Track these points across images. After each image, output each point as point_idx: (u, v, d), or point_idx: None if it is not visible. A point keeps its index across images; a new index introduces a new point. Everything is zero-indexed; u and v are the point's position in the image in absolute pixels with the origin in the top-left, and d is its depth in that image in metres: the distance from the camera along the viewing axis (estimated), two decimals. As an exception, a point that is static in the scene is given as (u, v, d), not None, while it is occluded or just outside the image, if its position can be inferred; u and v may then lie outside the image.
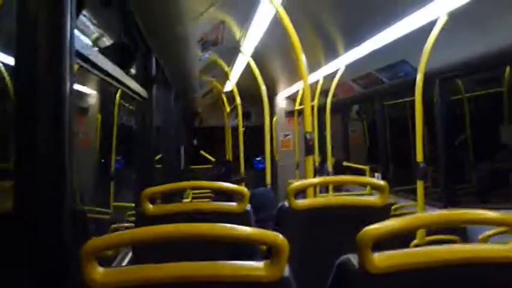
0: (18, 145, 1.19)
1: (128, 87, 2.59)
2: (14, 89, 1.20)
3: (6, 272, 1.28)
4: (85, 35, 3.31)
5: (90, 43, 3.29)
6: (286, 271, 1.13)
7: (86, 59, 1.66)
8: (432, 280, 1.13)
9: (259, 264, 1.13)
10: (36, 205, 1.17)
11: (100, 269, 1.10)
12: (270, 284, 1.11)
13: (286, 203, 2.06)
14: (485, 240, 3.01)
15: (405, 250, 1.16)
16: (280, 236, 1.12)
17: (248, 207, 2.05)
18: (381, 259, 1.11)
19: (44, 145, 1.18)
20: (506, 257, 1.14)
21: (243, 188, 2.08)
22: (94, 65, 1.81)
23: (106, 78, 2.10)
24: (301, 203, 2.06)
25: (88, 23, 3.18)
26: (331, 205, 2.08)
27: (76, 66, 1.43)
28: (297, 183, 2.16)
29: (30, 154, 1.17)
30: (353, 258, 1.14)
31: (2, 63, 3.77)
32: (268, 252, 1.22)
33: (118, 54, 2.43)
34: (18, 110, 1.19)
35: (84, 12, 2.93)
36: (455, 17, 3.37)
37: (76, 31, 1.36)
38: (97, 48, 2.86)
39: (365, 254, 1.10)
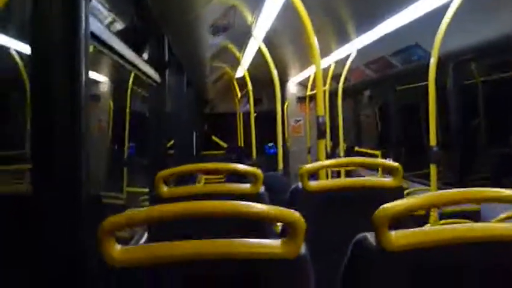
0: (35, 129, 1.20)
1: (142, 71, 2.60)
2: (29, 74, 1.21)
3: (24, 253, 1.30)
4: (98, 20, 3.32)
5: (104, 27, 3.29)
6: (303, 249, 1.14)
7: (101, 41, 1.67)
8: (450, 258, 1.13)
9: (276, 241, 1.14)
10: (53, 188, 1.19)
11: (118, 247, 1.12)
12: (287, 261, 1.12)
13: (300, 185, 2.06)
14: (499, 223, 3.00)
15: (422, 229, 1.16)
16: (297, 213, 1.13)
17: (262, 189, 2.05)
18: (399, 237, 1.11)
19: (60, 129, 1.19)
20: None
21: (256, 170, 2.08)
22: (109, 47, 1.82)
23: (121, 61, 2.11)
24: (314, 184, 2.06)
25: (101, 8, 3.18)
26: (344, 186, 2.08)
27: (91, 48, 1.44)
28: (310, 165, 2.16)
29: (47, 138, 1.18)
30: (370, 236, 1.14)
31: (16, 51, 3.81)
32: (282, 233, 1.23)
33: (131, 38, 2.44)
34: (34, 95, 1.20)
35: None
36: (469, -1, 3.33)
37: (91, 16, 1.37)
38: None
39: (382, 231, 1.10)
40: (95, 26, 1.53)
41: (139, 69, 2.50)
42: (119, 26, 3.36)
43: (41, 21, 1.18)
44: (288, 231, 1.14)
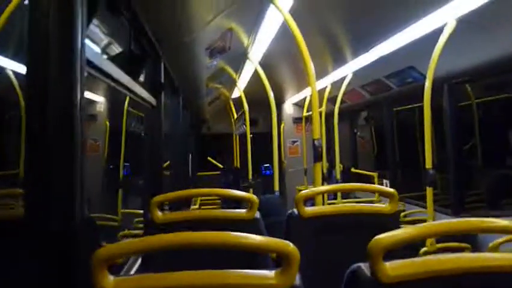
0: (29, 153, 1.19)
1: (137, 95, 2.60)
2: (25, 98, 1.20)
3: (17, 279, 1.28)
4: (94, 43, 3.33)
5: (99, 51, 3.31)
6: (297, 279, 1.13)
7: (96, 67, 1.67)
8: None
9: (270, 273, 1.13)
10: (46, 213, 1.17)
11: (111, 278, 1.10)
12: None
13: (295, 211, 2.05)
14: (496, 247, 2.99)
15: (417, 259, 1.15)
16: (291, 244, 1.12)
17: (257, 214, 2.04)
18: (393, 268, 1.10)
19: (55, 153, 1.18)
20: None
21: (251, 195, 2.07)
22: (104, 73, 1.82)
23: (116, 85, 2.11)
24: (310, 210, 2.05)
25: (97, 31, 3.19)
26: (340, 213, 2.08)
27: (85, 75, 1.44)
28: (305, 191, 2.15)
29: (41, 162, 1.17)
30: (364, 267, 1.13)
31: (13, 72, 3.81)
32: (279, 260, 1.22)
33: (127, 61, 2.44)
34: (29, 118, 1.19)
35: (93, 20, 2.96)
36: (463, 22, 3.36)
37: (88, 42, 1.37)
38: (106, 56, 2.88)
39: (377, 262, 1.09)
40: (91, 53, 1.53)
41: (134, 93, 2.50)
42: (115, 48, 3.37)
43: (37, 48, 1.18)
44: (283, 260, 1.13)
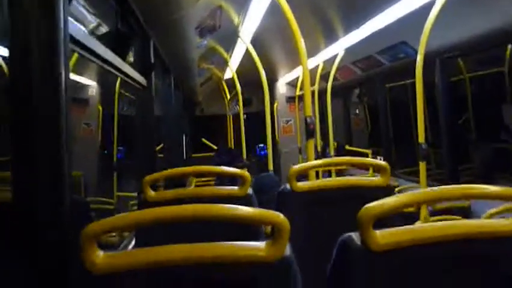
0: (15, 136, 1.18)
1: (127, 75, 2.58)
2: (9, 79, 1.19)
3: (7, 263, 1.28)
4: (82, 25, 3.30)
5: (86, 32, 3.27)
6: (288, 250, 1.13)
7: (83, 46, 1.65)
8: (436, 256, 1.12)
9: (260, 244, 1.13)
10: (34, 196, 1.17)
11: (100, 253, 1.10)
12: (271, 263, 1.11)
13: (287, 186, 2.05)
14: (488, 218, 3.01)
15: (407, 227, 1.15)
16: (281, 215, 1.12)
17: (250, 190, 2.04)
18: (383, 236, 1.10)
19: (40, 135, 1.17)
20: (509, 231, 1.13)
21: (244, 172, 2.07)
22: (92, 52, 1.80)
23: (104, 65, 2.09)
24: (302, 184, 2.06)
25: (85, 12, 3.15)
26: (332, 186, 2.08)
27: (74, 55, 1.42)
28: (298, 166, 2.15)
29: (27, 144, 1.16)
30: (355, 236, 1.13)
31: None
32: (272, 234, 1.22)
33: (114, 41, 2.42)
34: (14, 100, 1.18)
35: (80, 0, 2.92)
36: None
37: (72, 20, 1.35)
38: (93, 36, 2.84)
39: (367, 231, 1.09)
40: (76, 30, 1.51)
41: (124, 73, 2.48)
42: (104, 30, 3.33)
43: (18, 24, 1.17)
44: (273, 231, 1.14)
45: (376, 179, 2.06)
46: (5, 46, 1.22)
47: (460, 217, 3.58)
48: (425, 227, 1.16)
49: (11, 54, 1.18)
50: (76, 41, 1.54)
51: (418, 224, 3.35)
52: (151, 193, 2.01)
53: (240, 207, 1.14)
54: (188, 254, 1.10)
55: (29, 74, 1.16)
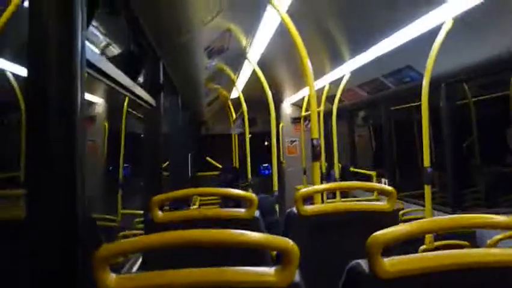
0: (30, 154, 1.20)
1: (137, 95, 2.61)
2: (25, 100, 1.22)
3: (18, 281, 1.29)
4: (93, 44, 3.35)
5: (98, 52, 3.32)
6: (297, 277, 1.14)
7: (96, 68, 1.68)
8: (444, 285, 1.13)
9: (269, 270, 1.14)
10: (48, 214, 1.18)
11: (113, 275, 1.11)
12: None
13: (294, 209, 2.06)
14: (495, 244, 3.00)
15: (416, 255, 1.16)
16: (291, 241, 1.13)
17: (257, 213, 2.05)
18: (392, 264, 1.11)
19: (55, 154, 1.19)
20: None
21: (250, 194, 2.08)
22: (104, 74, 1.83)
23: (115, 86, 2.12)
24: (309, 208, 2.07)
25: (96, 32, 3.21)
26: (339, 211, 2.09)
27: (85, 76, 1.44)
28: (304, 190, 2.16)
29: (42, 162, 1.18)
30: (363, 264, 1.14)
31: (13, 74, 3.82)
32: (278, 259, 1.23)
33: (126, 62, 2.46)
34: (30, 120, 1.20)
35: (93, 22, 2.97)
36: (460, 21, 3.38)
37: (87, 43, 1.38)
38: (105, 57, 2.89)
39: (376, 259, 1.10)
40: (91, 54, 1.54)
41: (134, 94, 2.52)
42: (114, 50, 3.38)
43: (37, 49, 1.19)
44: (282, 257, 1.14)
45: (382, 204, 2.07)
46: (23, 66, 1.24)
47: (466, 242, 3.57)
48: (434, 256, 1.17)
49: (28, 76, 1.20)
50: (91, 64, 1.58)
51: (423, 248, 3.34)
52: (159, 214, 2.03)
53: (249, 233, 1.15)
54: (200, 278, 1.11)
55: (45, 97, 1.19)
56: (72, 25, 1.23)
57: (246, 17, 3.93)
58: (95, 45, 3.44)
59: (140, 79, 3.26)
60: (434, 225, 1.21)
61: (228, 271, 1.12)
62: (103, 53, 3.47)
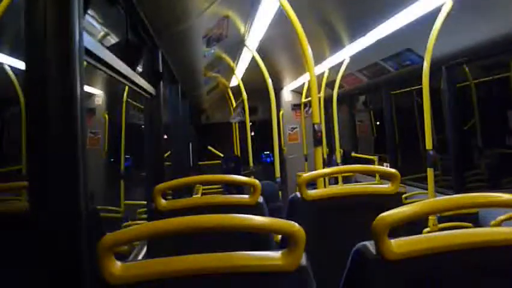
0: (30, 146, 1.19)
1: (136, 84, 2.60)
2: (24, 91, 1.20)
3: (23, 273, 1.29)
4: (91, 35, 3.32)
5: (97, 41, 3.29)
6: (304, 260, 1.14)
7: (95, 56, 1.67)
8: (451, 264, 1.13)
9: (276, 253, 1.14)
10: (50, 205, 1.17)
11: (118, 263, 1.11)
12: (288, 273, 1.11)
13: (298, 194, 2.06)
14: (498, 225, 3.01)
15: (423, 235, 1.16)
16: (297, 224, 1.12)
17: (260, 199, 2.05)
18: (399, 245, 1.11)
19: (57, 145, 1.18)
20: None
21: (254, 180, 2.08)
22: (103, 62, 1.82)
23: (115, 75, 2.11)
24: (313, 193, 2.06)
25: (93, 22, 3.18)
26: (343, 194, 2.08)
27: (84, 64, 1.43)
28: (308, 174, 2.16)
29: (43, 154, 1.17)
30: (370, 245, 1.14)
31: (11, 67, 3.81)
32: (282, 243, 1.23)
33: (124, 51, 2.44)
34: (30, 111, 1.19)
35: (89, 11, 2.94)
36: (459, 2, 3.35)
37: (84, 32, 1.37)
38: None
39: (382, 240, 1.10)
40: (89, 42, 1.53)
41: (134, 83, 2.50)
42: (112, 39, 3.36)
43: (35, 38, 1.18)
44: (287, 241, 1.14)
45: (386, 187, 2.06)
46: (21, 59, 1.23)
47: (469, 223, 3.57)
48: (441, 236, 1.16)
49: (27, 67, 1.19)
50: (90, 52, 1.56)
51: (427, 231, 3.34)
52: (162, 202, 2.02)
53: (256, 217, 1.15)
54: (206, 264, 1.11)
55: (45, 86, 1.18)
56: (69, 12, 1.22)
57: (244, 3, 3.90)
58: (93, 35, 3.42)
59: (140, 69, 3.25)
60: (440, 205, 1.20)
61: (235, 256, 1.12)
62: (101, 43, 3.45)
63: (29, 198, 1.19)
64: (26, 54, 1.19)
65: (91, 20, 3.17)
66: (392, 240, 1.12)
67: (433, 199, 1.26)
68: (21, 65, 1.24)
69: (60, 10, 1.20)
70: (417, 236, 1.15)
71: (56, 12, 1.19)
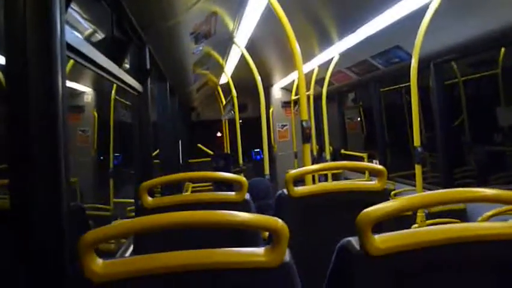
0: (13, 143, 1.18)
1: (123, 82, 2.58)
2: (6, 86, 1.19)
3: (5, 270, 1.27)
4: (78, 32, 3.29)
5: (82, 39, 3.26)
6: (287, 256, 1.13)
7: (78, 53, 1.65)
8: (435, 260, 1.12)
9: (259, 250, 1.13)
10: (32, 203, 1.16)
11: (99, 261, 1.09)
12: (271, 269, 1.11)
13: (285, 191, 2.06)
14: (485, 221, 3.02)
15: (407, 231, 1.15)
16: (280, 221, 1.12)
17: (247, 196, 2.04)
18: (382, 240, 1.11)
19: (38, 142, 1.17)
20: (507, 233, 1.14)
21: (241, 177, 2.07)
22: (88, 59, 1.80)
23: (100, 72, 2.09)
24: (300, 189, 2.06)
25: (80, 19, 3.15)
26: (330, 191, 2.08)
27: (70, 62, 1.42)
28: (295, 171, 2.15)
29: (24, 151, 1.16)
30: (354, 241, 1.14)
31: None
32: (270, 240, 1.22)
33: (110, 47, 2.41)
34: (11, 107, 1.17)
35: (75, 7, 2.91)
36: (447, 0, 3.36)
37: (68, 27, 1.35)
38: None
39: (366, 235, 1.10)
40: (72, 37, 1.51)
41: (120, 80, 2.48)
42: (99, 36, 3.33)
43: (15, 32, 1.16)
44: (272, 237, 1.13)
45: (373, 183, 2.06)
46: (1, 54, 1.22)
47: (457, 220, 3.59)
48: (425, 231, 1.16)
49: (7, 62, 1.18)
50: (73, 48, 1.54)
51: (416, 228, 3.35)
52: (148, 199, 2.01)
53: (238, 213, 1.14)
54: (189, 260, 1.10)
55: (26, 82, 1.16)
56: (50, 6, 1.20)
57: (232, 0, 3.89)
58: (80, 32, 3.39)
59: (127, 65, 3.22)
60: (425, 200, 1.20)
61: (217, 252, 1.11)
62: (88, 40, 3.42)
63: (10, 194, 1.17)
64: (5, 49, 1.17)
65: (78, 17, 3.15)
66: (376, 236, 1.11)
67: (420, 194, 1.26)
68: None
69: (41, 3, 1.19)
70: (401, 231, 1.14)
71: (37, 6, 1.18)
